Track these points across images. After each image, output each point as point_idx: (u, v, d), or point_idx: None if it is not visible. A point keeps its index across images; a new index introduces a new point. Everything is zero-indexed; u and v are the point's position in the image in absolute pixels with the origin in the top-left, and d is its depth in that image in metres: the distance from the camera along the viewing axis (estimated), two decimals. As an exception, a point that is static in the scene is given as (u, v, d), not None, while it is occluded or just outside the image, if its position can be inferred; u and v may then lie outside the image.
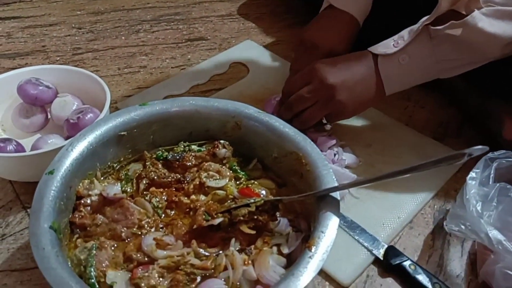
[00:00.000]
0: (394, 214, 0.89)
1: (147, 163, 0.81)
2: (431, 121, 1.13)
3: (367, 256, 0.82)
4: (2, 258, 0.82)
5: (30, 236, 0.62)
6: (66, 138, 0.93)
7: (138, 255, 0.67)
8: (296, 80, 0.96)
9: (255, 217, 0.71)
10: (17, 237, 0.85)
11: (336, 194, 0.69)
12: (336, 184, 0.70)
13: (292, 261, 0.70)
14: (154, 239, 0.68)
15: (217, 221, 0.70)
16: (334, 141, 0.99)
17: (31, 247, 0.61)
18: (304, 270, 0.60)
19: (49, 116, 1.03)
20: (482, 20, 0.71)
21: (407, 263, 0.80)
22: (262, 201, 0.71)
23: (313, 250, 0.62)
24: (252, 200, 0.71)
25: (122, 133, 0.79)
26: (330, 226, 0.65)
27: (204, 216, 0.71)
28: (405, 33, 0.84)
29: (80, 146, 0.75)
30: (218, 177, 0.78)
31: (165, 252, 0.67)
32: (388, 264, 0.80)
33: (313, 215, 0.70)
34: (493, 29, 0.71)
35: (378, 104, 0.99)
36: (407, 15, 0.86)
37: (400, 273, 0.80)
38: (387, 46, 0.86)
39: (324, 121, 0.97)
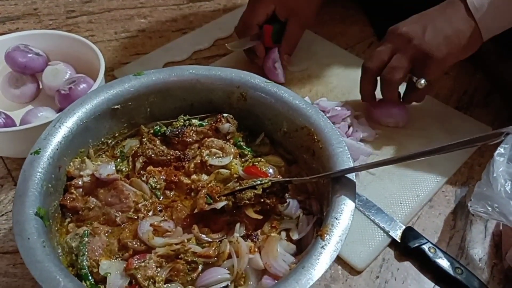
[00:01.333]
0: (412, 192, 0.83)
1: (143, 139, 0.74)
2: (455, 90, 1.05)
3: (383, 238, 0.76)
4: (-7, 239, 0.77)
5: (14, 224, 0.56)
6: (58, 111, 0.86)
7: (134, 243, 0.61)
8: (380, 52, 0.84)
9: (262, 200, 0.65)
10: (9, 216, 0.80)
11: (352, 176, 0.62)
12: (351, 165, 0.63)
13: (303, 247, 0.64)
14: (151, 225, 0.62)
15: (220, 205, 0.64)
16: (348, 112, 0.91)
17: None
18: (316, 262, 0.54)
19: (41, 86, 0.96)
20: None
21: (426, 246, 0.74)
22: (270, 183, 0.64)
23: (326, 239, 0.56)
24: (259, 182, 0.65)
25: (116, 106, 0.73)
26: (345, 212, 0.59)
27: (206, 199, 0.65)
28: None
29: (69, 122, 0.68)
30: (221, 155, 0.72)
31: (163, 240, 0.61)
32: (406, 247, 0.74)
33: (326, 198, 0.64)
34: None
35: (473, 51, 0.84)
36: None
37: (419, 257, 0.74)
38: None
39: (415, 79, 0.84)
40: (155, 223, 0.62)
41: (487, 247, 0.77)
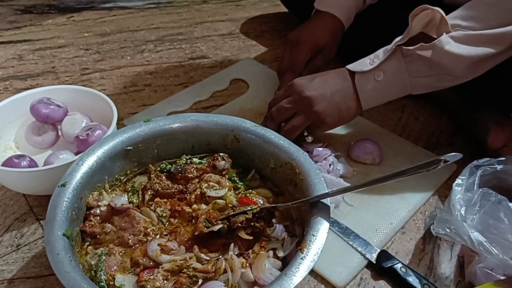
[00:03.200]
0: (387, 220, 0.94)
1: (151, 176, 0.86)
2: (424, 132, 1.18)
3: (360, 260, 0.86)
4: (18, 266, 0.87)
5: (46, 243, 0.68)
6: (76, 154, 0.99)
7: (144, 260, 0.72)
8: (278, 94, 1.02)
9: (252, 223, 0.76)
10: (31, 246, 0.91)
11: (327, 201, 0.74)
12: (326, 191, 0.75)
13: (287, 264, 0.75)
14: (158, 244, 0.73)
15: (216, 227, 0.75)
16: (329, 152, 1.04)
17: (46, 254, 0.67)
18: (296, 270, 0.65)
19: (59, 133, 1.09)
20: (449, 43, 0.77)
21: (398, 266, 0.84)
22: (259, 209, 0.76)
23: (304, 252, 0.67)
24: (249, 208, 0.76)
25: (129, 147, 0.85)
26: (321, 230, 0.70)
27: (205, 223, 0.76)
28: (380, 52, 0.84)
29: (90, 160, 0.80)
30: (218, 187, 0.84)
31: (169, 257, 0.72)
32: (381, 267, 0.85)
33: (307, 221, 0.75)
34: (459, 51, 0.77)
35: (356, 117, 1.02)
36: (385, 35, 0.93)
37: (392, 276, 0.84)
38: (364, 64, 0.87)
39: (306, 133, 1.01)
40: (162, 243, 0.73)
41: (453, 267, 0.88)
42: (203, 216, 0.76)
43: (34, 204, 0.98)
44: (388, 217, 0.94)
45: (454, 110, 1.18)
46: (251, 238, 0.75)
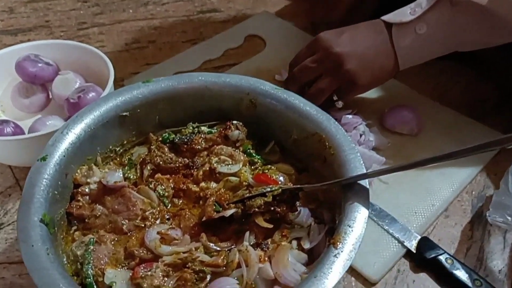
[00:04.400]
0: (427, 201, 0.80)
1: (152, 147, 0.73)
2: (466, 98, 1.02)
3: (398, 248, 0.73)
4: (0, 249, 0.76)
5: (18, 230, 0.55)
6: (67, 120, 0.86)
7: (141, 251, 0.60)
8: (301, 51, 0.88)
9: (272, 208, 0.63)
10: (16, 226, 0.79)
11: (365, 182, 0.61)
12: (364, 171, 0.61)
13: (314, 258, 0.62)
14: (158, 233, 0.61)
15: (229, 212, 0.62)
16: (359, 120, 0.89)
17: (20, 243, 0.55)
18: (328, 271, 0.52)
19: (50, 96, 0.96)
20: None
21: (443, 257, 0.71)
22: (280, 190, 0.63)
23: (339, 247, 0.54)
24: (269, 189, 0.63)
25: (124, 113, 0.72)
26: (358, 219, 0.57)
27: (214, 207, 0.63)
28: (423, 0, 0.76)
29: (77, 129, 0.67)
30: (230, 162, 0.70)
31: (170, 248, 0.60)
32: (422, 257, 0.72)
33: (338, 206, 0.62)
34: None
35: (395, 76, 0.88)
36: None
37: (435, 268, 0.71)
38: (403, 14, 0.78)
39: (335, 97, 0.87)
40: (163, 231, 0.61)
41: (506, 258, 0.74)
42: (212, 198, 0.63)
43: (21, 176, 0.86)
44: (428, 197, 0.80)
45: (503, 74, 1.01)
46: (270, 226, 0.61)
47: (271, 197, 0.62)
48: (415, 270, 0.73)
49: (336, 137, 0.66)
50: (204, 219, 0.62)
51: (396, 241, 0.74)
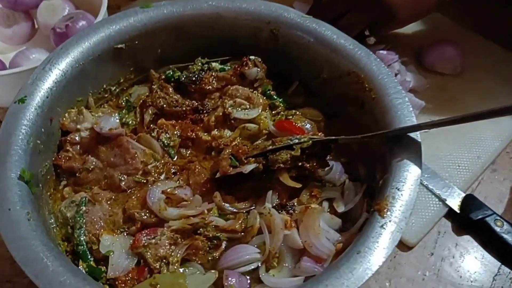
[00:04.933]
0: (472, 153, 0.69)
1: (154, 87, 0.61)
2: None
3: (438, 207, 0.64)
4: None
5: (-9, 191, 0.45)
6: (54, 52, 0.73)
7: (143, 214, 0.50)
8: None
9: (300, 163, 0.52)
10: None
11: (416, 135, 0.49)
12: (415, 120, 0.50)
13: (349, 222, 0.52)
14: (163, 192, 0.50)
15: (248, 168, 0.51)
16: (395, 57, 0.77)
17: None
18: (374, 245, 0.42)
19: (36, 25, 0.82)
20: None
21: (491, 218, 0.61)
22: (311, 142, 0.52)
23: (386, 215, 0.44)
24: (297, 140, 0.52)
25: (119, 45, 0.60)
26: (409, 180, 0.46)
27: (230, 161, 0.52)
28: None
29: (62, 64, 0.55)
30: (247, 106, 0.59)
31: (178, 211, 0.49)
32: (467, 218, 0.62)
33: (379, 161, 0.51)
34: None
35: (438, 8, 0.76)
36: None
37: (482, 231, 0.62)
38: None
39: (367, 33, 0.75)
40: (168, 189, 0.50)
41: (562, 219, 0.64)
42: (228, 150, 0.52)
43: (2, 117, 0.74)
44: (473, 148, 0.70)
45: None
46: (299, 185, 0.51)
47: (299, 150, 0.51)
48: (459, 232, 0.64)
49: (379, 77, 0.54)
50: (218, 175, 0.52)
51: (437, 199, 0.64)
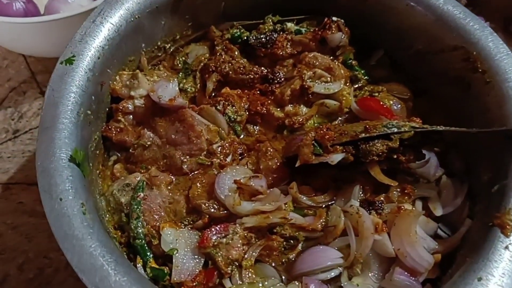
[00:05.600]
0: None
1: (217, 48, 0.52)
2: None
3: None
4: (16, 164, 0.60)
5: (38, 173, 0.38)
6: (95, -4, 0.63)
7: (211, 206, 0.42)
8: None
9: (395, 156, 0.44)
10: (34, 135, 0.62)
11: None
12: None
13: (446, 225, 0.45)
14: (235, 182, 0.42)
15: (335, 159, 0.43)
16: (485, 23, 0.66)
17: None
18: (497, 271, 0.35)
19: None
20: None
21: None
22: (412, 132, 0.43)
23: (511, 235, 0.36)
24: (395, 129, 0.43)
25: (180, -3, 0.50)
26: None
27: (313, 148, 0.44)
28: None
29: (115, 17, 0.46)
30: (328, 78, 0.50)
31: (253, 205, 0.42)
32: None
33: (489, 159, 0.43)
34: None
35: None
36: None
37: None
38: None
39: None
40: (242, 179, 0.42)
41: None
42: (311, 134, 0.44)
43: (38, 69, 0.67)
44: None
45: None
46: (395, 183, 0.43)
47: (397, 141, 0.43)
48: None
49: (496, 57, 0.45)
50: (298, 164, 0.44)
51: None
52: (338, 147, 0.44)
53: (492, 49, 0.45)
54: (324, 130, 0.44)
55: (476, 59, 0.46)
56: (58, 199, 0.36)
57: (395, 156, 0.44)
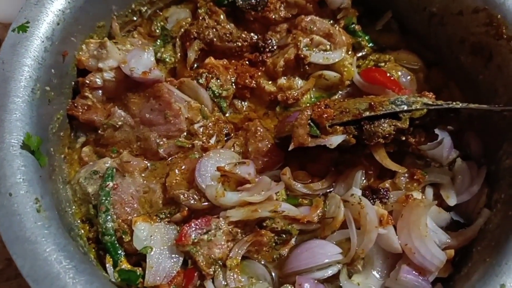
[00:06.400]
0: None
1: (200, 11, 0.45)
2: None
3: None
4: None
5: (-16, 164, 0.32)
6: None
7: (191, 197, 0.37)
8: None
9: (404, 137, 0.38)
10: None
11: None
12: None
13: (462, 216, 0.39)
14: (218, 169, 0.37)
15: (335, 141, 0.37)
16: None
17: None
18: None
19: None
20: None
21: None
22: (425, 111, 0.37)
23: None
24: (405, 107, 0.37)
25: None
26: None
27: (310, 129, 0.38)
28: None
29: (78, -26, 0.39)
30: (327, 46, 0.44)
31: (239, 195, 0.36)
32: None
33: (502, 137, 0.37)
34: None
35: None
36: None
37: None
38: None
39: None
40: (226, 166, 0.37)
41: None
42: (307, 112, 0.38)
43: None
44: None
45: None
46: (404, 169, 0.38)
47: (407, 121, 0.37)
48: None
49: (524, 21, 0.38)
50: (291, 147, 0.38)
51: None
52: (338, 127, 0.38)
53: (520, 12, 0.39)
54: (322, 107, 0.38)
55: (500, 24, 0.40)
56: (7, 194, 0.31)
57: (403, 138, 0.38)
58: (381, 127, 0.37)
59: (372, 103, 0.38)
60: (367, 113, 0.38)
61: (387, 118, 0.38)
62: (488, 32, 0.41)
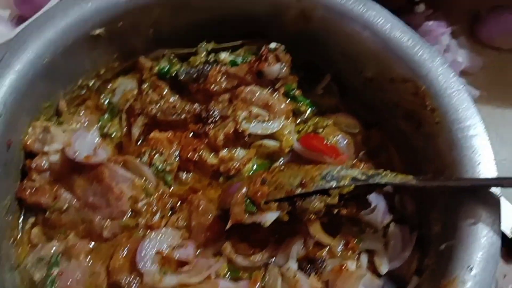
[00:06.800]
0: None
1: (144, 85, 0.47)
2: None
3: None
4: None
5: None
6: (17, 21, 0.57)
7: (131, 281, 0.38)
8: None
9: (336, 210, 0.40)
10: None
11: (496, 191, 0.37)
12: (495, 170, 0.37)
13: (391, 280, 0.41)
14: (158, 252, 0.38)
15: (269, 218, 0.39)
16: (444, 30, 0.62)
17: None
18: None
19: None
20: None
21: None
22: (353, 187, 0.39)
23: (454, 309, 0.33)
24: (334, 183, 0.39)
25: (97, 31, 0.44)
26: (486, 259, 0.35)
27: (246, 206, 0.40)
28: None
29: (19, 63, 0.40)
30: (266, 117, 0.46)
31: (178, 278, 0.38)
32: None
33: (439, 210, 0.40)
34: None
35: None
36: None
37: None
38: None
39: None
40: (165, 249, 0.38)
41: None
42: (243, 190, 0.40)
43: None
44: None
45: None
46: (334, 243, 0.40)
47: (336, 197, 0.39)
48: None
49: (446, 93, 0.40)
50: (229, 224, 0.40)
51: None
52: (272, 203, 0.40)
53: (442, 84, 0.41)
54: (258, 184, 0.40)
55: (424, 95, 0.41)
56: None
57: (336, 211, 0.40)
58: (311, 204, 0.39)
59: (303, 181, 0.40)
60: (299, 190, 0.40)
61: (318, 194, 0.40)
62: (416, 101, 0.43)
